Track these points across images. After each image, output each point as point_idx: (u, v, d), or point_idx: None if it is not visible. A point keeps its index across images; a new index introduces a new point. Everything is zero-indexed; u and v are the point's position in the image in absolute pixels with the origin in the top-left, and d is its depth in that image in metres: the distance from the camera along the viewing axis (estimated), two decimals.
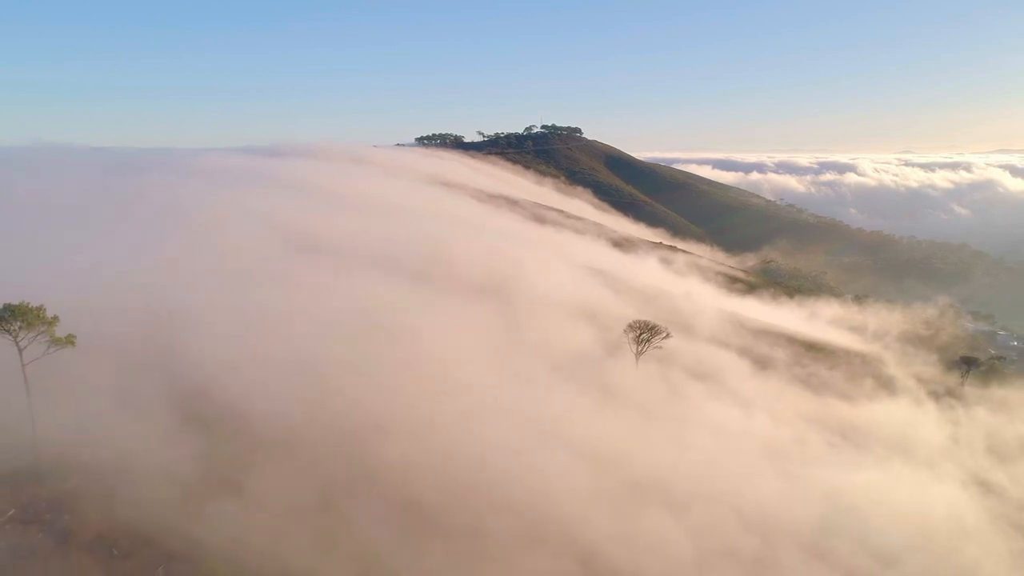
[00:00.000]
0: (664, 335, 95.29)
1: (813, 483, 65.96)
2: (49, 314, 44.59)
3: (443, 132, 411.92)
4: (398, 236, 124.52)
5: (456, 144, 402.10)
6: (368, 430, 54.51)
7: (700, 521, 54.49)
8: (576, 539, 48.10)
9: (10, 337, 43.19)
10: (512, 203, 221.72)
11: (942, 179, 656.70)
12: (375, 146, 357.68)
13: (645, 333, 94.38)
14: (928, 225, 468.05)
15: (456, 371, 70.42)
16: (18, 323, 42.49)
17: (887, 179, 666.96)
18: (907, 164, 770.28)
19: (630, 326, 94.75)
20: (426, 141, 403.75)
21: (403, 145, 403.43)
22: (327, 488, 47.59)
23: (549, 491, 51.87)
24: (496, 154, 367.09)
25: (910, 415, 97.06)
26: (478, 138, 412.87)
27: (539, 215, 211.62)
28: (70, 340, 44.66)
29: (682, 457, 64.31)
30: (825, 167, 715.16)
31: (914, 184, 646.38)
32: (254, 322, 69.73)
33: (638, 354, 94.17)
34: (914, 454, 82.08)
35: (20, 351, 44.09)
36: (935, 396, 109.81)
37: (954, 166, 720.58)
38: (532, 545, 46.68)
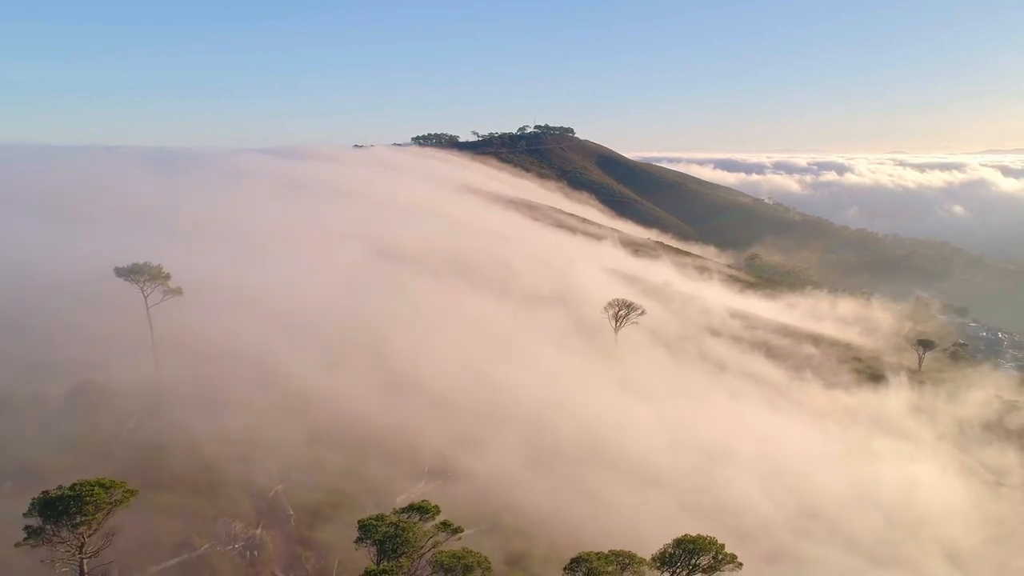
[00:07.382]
0: (640, 312, 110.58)
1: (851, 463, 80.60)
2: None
3: (439, 132, 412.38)
4: (468, 246, 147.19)
5: (452, 144, 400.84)
6: (538, 414, 72.61)
7: (777, 487, 70.19)
8: (679, 492, 65.57)
9: (139, 287, 58.96)
10: (532, 208, 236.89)
11: (937, 179, 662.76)
12: (363, 146, 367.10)
13: (623, 310, 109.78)
14: (928, 225, 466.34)
15: (569, 371, 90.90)
16: (144, 277, 58.19)
17: (884, 179, 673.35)
18: (901, 164, 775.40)
19: (610, 304, 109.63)
20: (422, 141, 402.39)
21: (400, 144, 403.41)
22: (533, 455, 64.64)
23: (666, 463, 70.39)
24: (490, 154, 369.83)
25: (892, 400, 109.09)
26: (473, 138, 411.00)
27: (560, 220, 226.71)
28: (178, 290, 60.57)
29: (749, 443, 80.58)
30: (824, 167, 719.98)
31: (911, 184, 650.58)
32: (412, 327, 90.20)
33: (617, 329, 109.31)
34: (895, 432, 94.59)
35: (145, 297, 59.88)
36: (899, 376, 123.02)
37: (947, 166, 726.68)
38: (663, 491, 64.98)
